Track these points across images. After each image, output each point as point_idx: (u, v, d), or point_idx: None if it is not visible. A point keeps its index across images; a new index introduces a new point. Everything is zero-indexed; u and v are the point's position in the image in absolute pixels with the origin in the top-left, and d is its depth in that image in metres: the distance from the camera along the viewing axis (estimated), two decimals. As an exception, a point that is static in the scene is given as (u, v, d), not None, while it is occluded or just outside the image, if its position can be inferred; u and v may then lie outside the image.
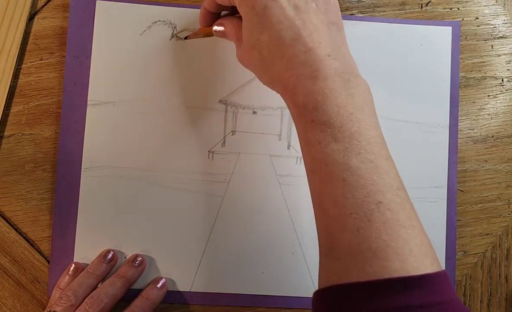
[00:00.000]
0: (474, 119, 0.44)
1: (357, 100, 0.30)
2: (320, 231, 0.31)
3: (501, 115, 0.44)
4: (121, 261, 0.41)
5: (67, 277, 0.39)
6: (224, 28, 0.37)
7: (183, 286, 0.41)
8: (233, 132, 0.42)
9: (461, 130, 0.44)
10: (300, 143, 0.32)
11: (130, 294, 0.40)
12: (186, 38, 0.42)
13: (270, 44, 0.32)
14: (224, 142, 0.42)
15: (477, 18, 0.44)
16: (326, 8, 0.33)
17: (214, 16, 0.38)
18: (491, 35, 0.44)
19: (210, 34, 0.38)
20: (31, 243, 0.41)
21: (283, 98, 0.33)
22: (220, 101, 0.43)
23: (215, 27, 0.38)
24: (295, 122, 0.32)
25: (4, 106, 0.41)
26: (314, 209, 0.31)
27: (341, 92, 0.30)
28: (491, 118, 0.44)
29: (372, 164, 0.29)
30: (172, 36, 0.42)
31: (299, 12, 0.32)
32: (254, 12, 0.33)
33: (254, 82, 0.43)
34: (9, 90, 0.41)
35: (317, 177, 0.30)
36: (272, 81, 0.34)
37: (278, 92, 0.34)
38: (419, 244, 0.28)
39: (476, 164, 0.44)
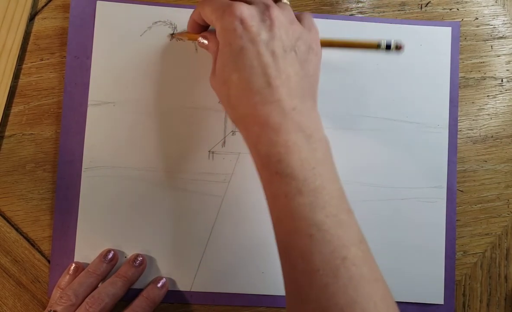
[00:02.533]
0: (473, 120, 0.44)
1: (319, 155, 0.31)
2: (288, 282, 0.31)
3: (500, 115, 0.44)
4: (121, 260, 0.41)
5: (67, 277, 0.39)
6: (208, 42, 0.37)
7: (183, 285, 0.41)
8: (233, 132, 0.43)
9: (460, 130, 0.44)
10: (265, 193, 0.33)
11: (130, 294, 0.40)
12: (172, 34, 0.42)
13: (239, 86, 0.32)
14: (224, 142, 0.42)
15: (477, 18, 0.45)
16: (306, 58, 0.34)
17: (202, 27, 0.38)
18: (491, 36, 0.45)
19: (194, 40, 0.39)
20: (32, 243, 0.41)
21: (246, 143, 0.33)
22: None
23: (200, 39, 0.38)
24: (258, 172, 0.33)
25: (5, 107, 0.41)
26: (280, 259, 0.32)
27: (303, 146, 0.31)
28: (491, 118, 0.44)
29: (336, 218, 0.30)
30: (172, 37, 0.42)
31: (275, 59, 0.32)
32: (230, 49, 0.33)
33: (254, 83, 0.43)
34: (9, 91, 0.41)
35: (284, 229, 0.31)
36: (236, 122, 0.34)
37: (241, 134, 0.34)
38: (382, 298, 0.29)
39: (475, 164, 0.44)
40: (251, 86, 0.32)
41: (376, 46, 0.37)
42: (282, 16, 0.34)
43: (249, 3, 0.35)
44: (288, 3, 0.37)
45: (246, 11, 0.33)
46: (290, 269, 0.31)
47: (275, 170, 0.31)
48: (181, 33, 0.41)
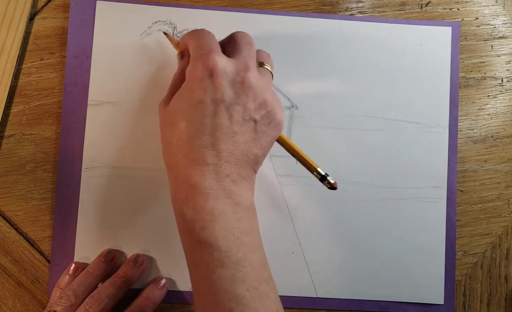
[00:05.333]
0: (473, 120, 0.44)
1: (244, 224, 0.31)
2: None
3: (500, 115, 0.44)
4: (121, 260, 0.41)
5: (67, 277, 0.39)
6: (181, 59, 0.37)
7: (183, 286, 0.41)
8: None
9: (460, 130, 0.44)
10: (187, 261, 0.32)
11: (130, 294, 0.40)
12: (165, 33, 0.42)
13: (182, 135, 0.32)
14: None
15: (477, 18, 0.45)
16: (264, 131, 0.33)
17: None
18: (491, 36, 0.44)
19: (177, 50, 0.40)
20: (32, 243, 0.41)
21: (171, 197, 0.33)
22: (220, 101, 0.42)
23: (178, 53, 0.38)
24: (181, 237, 0.32)
25: (5, 107, 0.41)
26: None
27: (229, 215, 0.31)
28: (491, 118, 0.44)
29: (256, 291, 0.30)
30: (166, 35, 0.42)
31: (231, 124, 0.32)
32: (190, 95, 0.32)
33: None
34: (9, 91, 0.41)
35: (203, 302, 0.31)
36: (168, 168, 0.34)
37: (169, 183, 0.33)
38: None
39: (475, 164, 0.44)
40: (193, 142, 0.31)
41: (314, 171, 0.37)
42: (256, 81, 0.33)
43: (235, 51, 0.34)
44: (271, 70, 0.37)
45: (220, 65, 0.32)
46: None
47: (198, 238, 0.30)
48: (172, 38, 0.41)
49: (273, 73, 0.37)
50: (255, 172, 0.34)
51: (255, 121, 0.33)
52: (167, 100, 0.35)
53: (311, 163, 0.37)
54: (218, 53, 0.33)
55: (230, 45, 0.36)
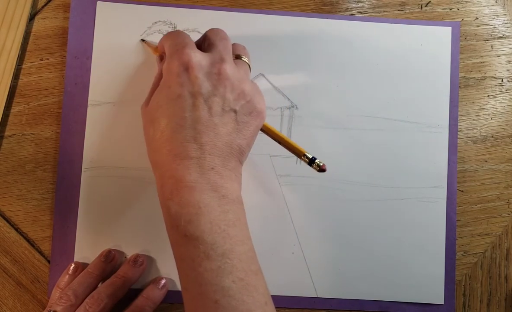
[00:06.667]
0: (473, 120, 0.44)
1: (230, 216, 0.31)
2: None
3: (500, 115, 0.44)
4: (121, 260, 0.41)
5: (67, 277, 0.39)
6: (159, 63, 0.37)
7: (183, 286, 0.41)
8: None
9: (460, 130, 0.44)
10: (174, 256, 0.32)
11: (130, 294, 0.40)
12: (143, 40, 0.42)
13: (164, 132, 0.32)
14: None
15: (477, 18, 0.45)
16: (245, 121, 0.33)
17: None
18: (491, 36, 0.44)
19: (155, 54, 0.40)
20: (32, 243, 0.41)
21: (158, 192, 0.33)
22: (220, 101, 0.42)
23: (157, 56, 0.38)
24: (168, 233, 0.32)
25: (5, 107, 0.41)
26: None
27: (215, 207, 0.31)
28: (491, 118, 0.44)
29: (243, 282, 0.30)
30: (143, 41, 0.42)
31: (210, 116, 0.32)
32: (168, 92, 0.32)
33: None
34: (9, 90, 0.41)
35: (190, 295, 0.31)
36: (153, 165, 0.34)
37: (155, 178, 0.34)
38: None
39: (475, 164, 0.44)
40: (176, 137, 0.31)
41: (302, 156, 0.37)
42: (233, 72, 0.33)
43: (210, 47, 0.34)
44: (248, 62, 0.37)
45: (194, 59, 0.32)
46: None
47: (184, 232, 0.30)
48: (150, 44, 0.41)
49: (250, 65, 0.37)
50: (241, 163, 0.34)
51: (235, 111, 0.33)
52: (148, 101, 0.35)
53: (298, 147, 0.37)
54: (192, 48, 0.33)
55: (205, 43, 0.36)
